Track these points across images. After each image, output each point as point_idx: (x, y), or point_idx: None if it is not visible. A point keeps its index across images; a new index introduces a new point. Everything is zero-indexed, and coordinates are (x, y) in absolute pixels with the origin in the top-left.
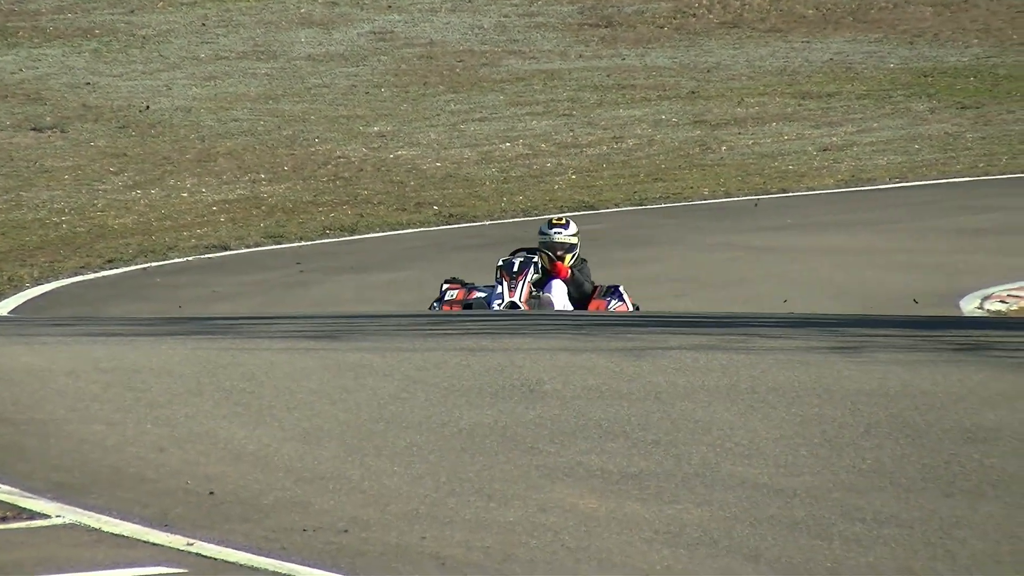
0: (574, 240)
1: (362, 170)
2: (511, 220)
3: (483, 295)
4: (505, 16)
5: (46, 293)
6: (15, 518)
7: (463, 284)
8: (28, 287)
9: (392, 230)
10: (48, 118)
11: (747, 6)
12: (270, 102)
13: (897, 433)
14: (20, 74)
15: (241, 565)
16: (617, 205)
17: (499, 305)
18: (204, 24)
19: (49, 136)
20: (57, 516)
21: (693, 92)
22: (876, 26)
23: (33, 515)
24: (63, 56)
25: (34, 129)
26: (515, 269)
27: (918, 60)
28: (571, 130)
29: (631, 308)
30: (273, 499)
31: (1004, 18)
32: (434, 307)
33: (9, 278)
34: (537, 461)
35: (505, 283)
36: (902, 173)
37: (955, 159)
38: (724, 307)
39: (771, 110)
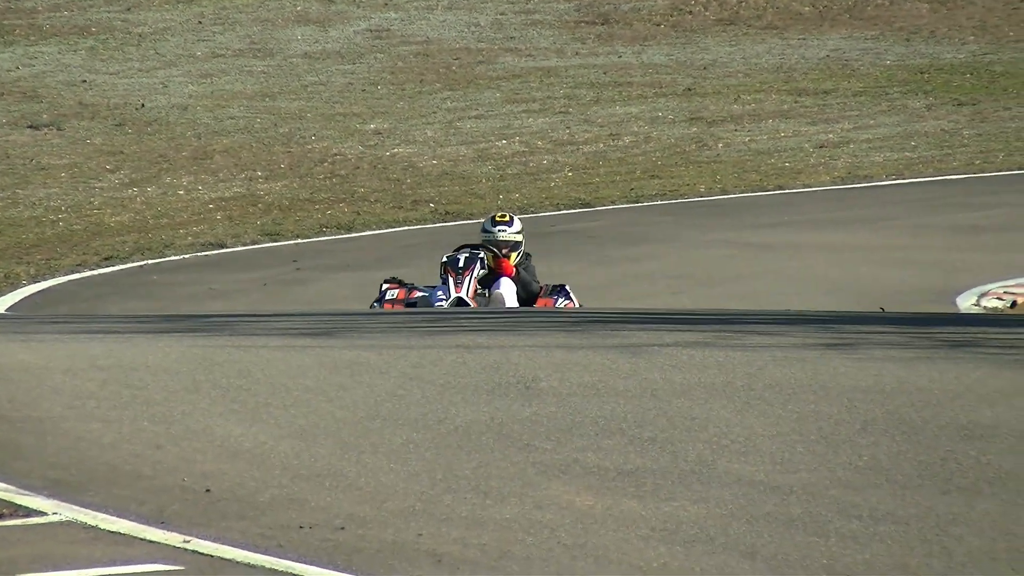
0: (518, 238)
1: (358, 168)
2: None
3: (424, 294)
4: (502, 14)
5: (43, 291)
6: (12, 515)
7: (402, 284)
8: (25, 284)
9: (388, 228)
10: (44, 116)
11: (743, 3)
12: (266, 100)
13: (894, 430)
14: (16, 72)
15: (238, 562)
16: (613, 202)
17: (445, 301)
18: (200, 22)
19: (45, 134)
20: (54, 513)
21: (689, 89)
22: (872, 23)
23: (30, 512)
24: (59, 54)
25: (30, 127)
26: (461, 265)
27: (914, 57)
28: (567, 127)
29: (576, 306)
30: (270, 496)
31: (1000, 15)
32: (374, 307)
33: (6, 276)
34: (533, 458)
35: (451, 279)
36: (899, 170)
37: (952, 156)
38: (720, 304)
39: (767, 107)
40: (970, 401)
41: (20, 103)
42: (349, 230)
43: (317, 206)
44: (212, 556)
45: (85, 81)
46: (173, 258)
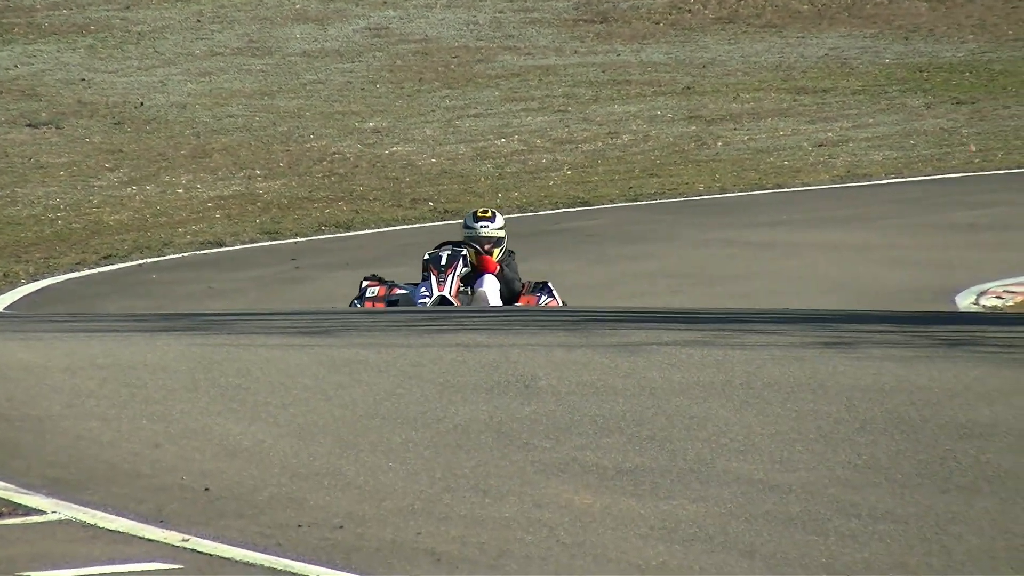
0: (501, 233)
1: (357, 166)
2: (507, 216)
3: (406, 291)
4: (500, 12)
5: (42, 289)
6: (11, 514)
7: (383, 281)
8: (24, 283)
9: (387, 226)
10: (43, 114)
11: (742, 2)
12: (265, 98)
13: (892, 429)
14: (15, 70)
15: (236, 561)
16: (612, 201)
17: (428, 299)
18: (199, 20)
19: (44, 132)
20: (53, 512)
21: (688, 88)
22: (871, 21)
23: (29, 511)
24: (58, 52)
25: (29, 125)
26: (443, 263)
27: (913, 55)
28: (566, 126)
29: (560, 304)
30: (268, 495)
31: (999, 13)
32: (355, 305)
33: (5, 274)
34: (532, 457)
35: (433, 277)
36: (897, 169)
37: (950, 154)
38: (719, 303)
39: (766, 106)
40: (969, 400)
41: (19, 101)
42: (348, 228)
43: (316, 204)
44: (211, 555)
45: (84, 80)
46: (172, 257)
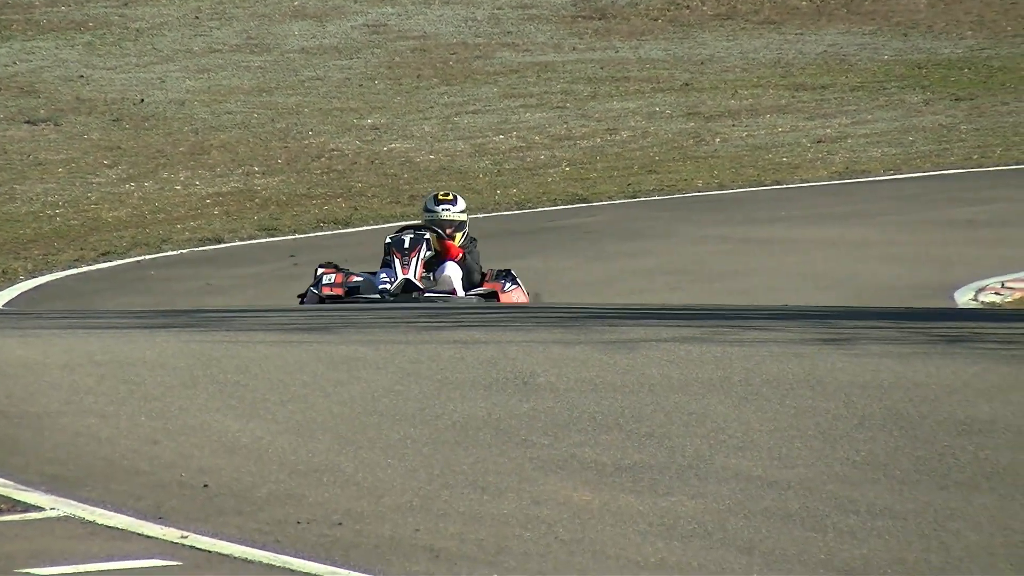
0: (463, 217)
1: (356, 163)
2: (505, 212)
3: (362, 279)
4: (499, 9)
5: (40, 286)
6: (9, 511)
7: (339, 268)
8: (22, 280)
9: (386, 223)
10: (42, 111)
11: None
12: (264, 95)
13: (891, 425)
14: (13, 67)
15: (235, 558)
16: (611, 197)
17: (391, 284)
18: (197, 17)
19: (43, 129)
20: (51, 509)
21: (687, 84)
22: (870, 18)
23: (27, 508)
24: (56, 49)
25: (28, 122)
26: (406, 246)
27: (912, 52)
28: (565, 122)
29: (526, 295)
30: (267, 492)
31: (998, 10)
32: (310, 292)
33: (3, 271)
34: (531, 454)
35: (397, 260)
36: (896, 165)
37: (949, 151)
38: (718, 299)
39: (765, 102)
40: (968, 396)
41: (17, 98)
42: (346, 225)
43: (314, 201)
44: (210, 551)
45: (82, 76)
46: (170, 253)
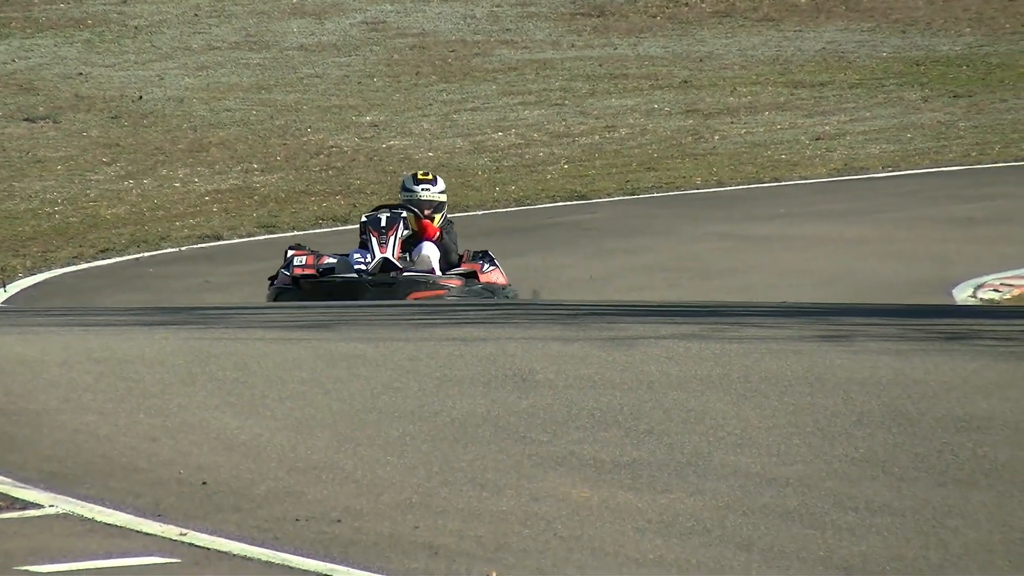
0: (442, 198)
1: (354, 160)
2: (504, 210)
3: (334, 260)
4: (497, 6)
5: (39, 283)
6: (8, 508)
7: (310, 250)
8: (21, 277)
9: None
10: (40, 108)
11: None
12: (262, 92)
13: (889, 422)
14: (12, 64)
15: (234, 555)
16: (610, 195)
17: (368, 263)
18: (196, 14)
19: (42, 126)
20: (50, 506)
21: (686, 81)
22: (868, 15)
23: (26, 505)
24: (55, 46)
25: (26, 119)
26: (383, 224)
27: (911, 49)
28: (563, 120)
29: (504, 276)
30: (266, 489)
31: (996, 6)
32: (281, 273)
33: (2, 268)
34: (530, 451)
35: (374, 239)
36: (895, 162)
37: (948, 148)
38: (716, 296)
39: (764, 99)
40: (966, 393)
41: (16, 96)
42: (345, 222)
43: (313, 198)
44: (208, 549)
45: (81, 74)
46: (169, 250)
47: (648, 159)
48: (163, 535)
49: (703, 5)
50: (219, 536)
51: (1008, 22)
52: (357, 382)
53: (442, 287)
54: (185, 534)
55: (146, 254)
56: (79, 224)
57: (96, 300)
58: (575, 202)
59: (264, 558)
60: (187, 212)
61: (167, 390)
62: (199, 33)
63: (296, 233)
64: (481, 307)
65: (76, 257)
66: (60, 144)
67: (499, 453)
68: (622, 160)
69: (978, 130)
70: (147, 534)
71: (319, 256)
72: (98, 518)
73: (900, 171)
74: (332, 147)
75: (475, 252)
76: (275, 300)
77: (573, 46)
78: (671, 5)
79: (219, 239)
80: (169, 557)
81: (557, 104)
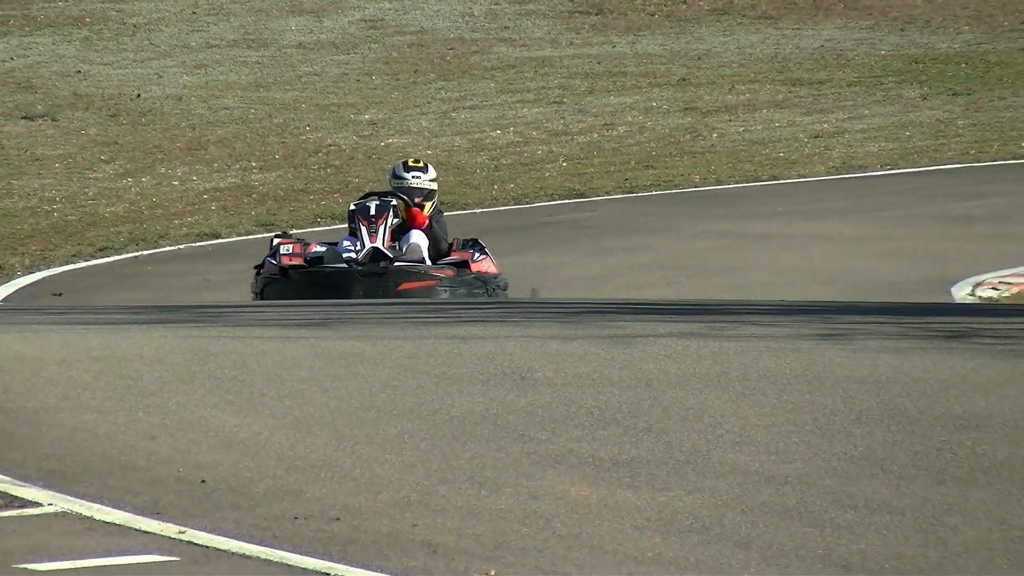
0: (433, 186)
1: (353, 158)
2: (502, 208)
3: (322, 249)
4: (496, 4)
5: (37, 281)
6: (7, 506)
7: (296, 239)
8: (19, 275)
9: None
10: (39, 106)
11: None
12: (261, 90)
13: (888, 420)
14: (11, 62)
15: (232, 553)
16: (608, 193)
17: (357, 252)
18: (195, 12)
19: (40, 124)
20: (49, 504)
21: (684, 79)
22: (867, 13)
23: (25, 503)
24: (54, 44)
25: (25, 117)
26: (372, 213)
27: (909, 47)
28: (562, 118)
29: (495, 264)
30: (264, 487)
31: (995, 4)
32: (267, 262)
33: (0, 266)
34: (528, 449)
35: (364, 228)
36: (893, 160)
37: (946, 146)
38: (715, 294)
39: (762, 97)
40: (965, 391)
41: (14, 94)
42: (344, 220)
43: (312, 196)
44: (207, 547)
45: (80, 72)
46: (168, 248)
47: (646, 157)
48: (162, 533)
49: (701, 3)
50: (218, 534)
51: (1007, 20)
52: (355, 380)
53: (433, 277)
54: (184, 532)
55: (145, 252)
56: (78, 222)
57: (95, 298)
58: (573, 200)
59: (263, 556)
60: (185, 210)
61: (166, 388)
62: (197, 31)
63: (295, 231)
64: (480, 306)
65: (74, 255)
66: (58, 142)
67: (498, 451)
68: (620, 158)
69: (977, 128)
70: (146, 532)
71: (306, 245)
72: (97, 516)
73: (899, 169)
74: (330, 145)
75: (465, 240)
76: (262, 290)
77: (571, 44)
78: (669, 3)
79: (218, 237)
80: (168, 555)
81: (555, 102)
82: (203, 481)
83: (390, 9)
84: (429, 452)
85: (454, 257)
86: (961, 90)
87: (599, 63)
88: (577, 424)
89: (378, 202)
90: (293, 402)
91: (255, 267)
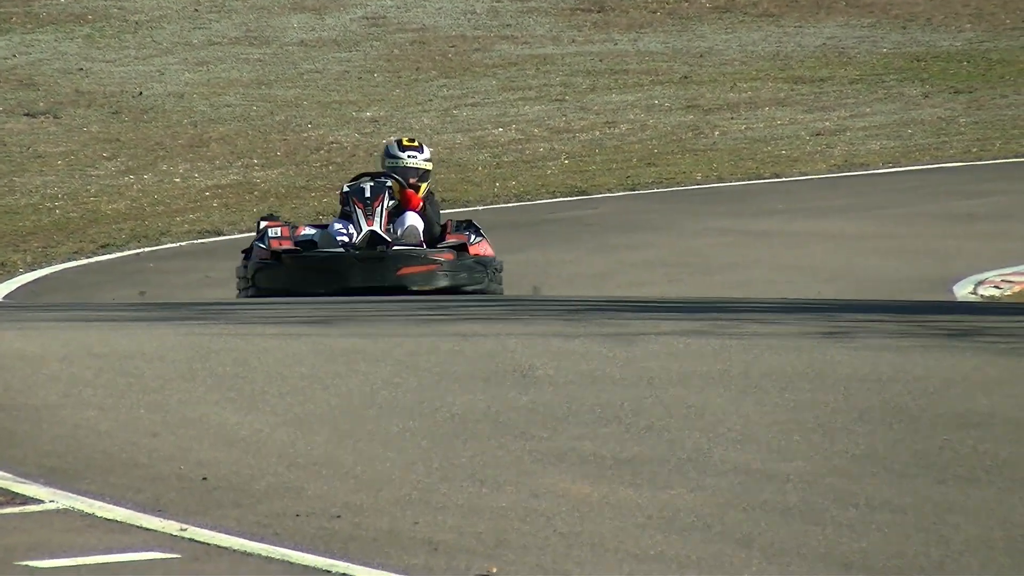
0: (428, 166)
1: (354, 155)
2: (504, 205)
3: (313, 232)
4: (498, 1)
5: (39, 278)
6: (8, 503)
7: (284, 221)
8: (21, 272)
9: None
10: (41, 104)
11: None
12: (263, 87)
13: (890, 419)
14: (13, 60)
15: (234, 550)
16: (610, 190)
17: (350, 236)
18: (197, 9)
19: (42, 121)
20: (50, 501)
21: (686, 77)
22: (869, 10)
23: (26, 500)
24: (56, 41)
25: (27, 115)
26: (367, 195)
27: (911, 45)
28: (564, 115)
29: (491, 247)
30: (266, 484)
31: (996, 2)
32: (255, 247)
33: (2, 263)
34: (530, 446)
35: (359, 210)
36: (895, 158)
37: (948, 144)
38: (717, 292)
39: (764, 95)
40: (967, 389)
41: (16, 91)
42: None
43: (313, 194)
44: (208, 544)
45: (82, 69)
46: (169, 246)
47: (648, 155)
48: (163, 530)
49: (703, 0)
50: (219, 531)
51: (1008, 18)
52: (356, 378)
53: (434, 261)
54: (185, 529)
55: (146, 249)
56: (79, 219)
57: (96, 295)
58: (575, 198)
59: (264, 553)
60: (187, 207)
61: (167, 385)
62: (199, 28)
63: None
64: (481, 303)
65: (76, 252)
66: (60, 139)
67: (499, 449)
68: (622, 156)
69: (978, 126)
70: (147, 529)
71: (295, 227)
72: (98, 513)
73: (900, 167)
74: (332, 143)
75: (459, 222)
76: (253, 276)
77: (573, 41)
78: (671, 0)
79: (219, 235)
80: (169, 552)
81: (557, 100)
82: (204, 478)
83: (392, 6)
84: (430, 450)
85: (451, 240)
86: (963, 88)
87: (601, 61)
88: (578, 422)
89: (373, 183)
90: (294, 399)
91: (243, 251)
